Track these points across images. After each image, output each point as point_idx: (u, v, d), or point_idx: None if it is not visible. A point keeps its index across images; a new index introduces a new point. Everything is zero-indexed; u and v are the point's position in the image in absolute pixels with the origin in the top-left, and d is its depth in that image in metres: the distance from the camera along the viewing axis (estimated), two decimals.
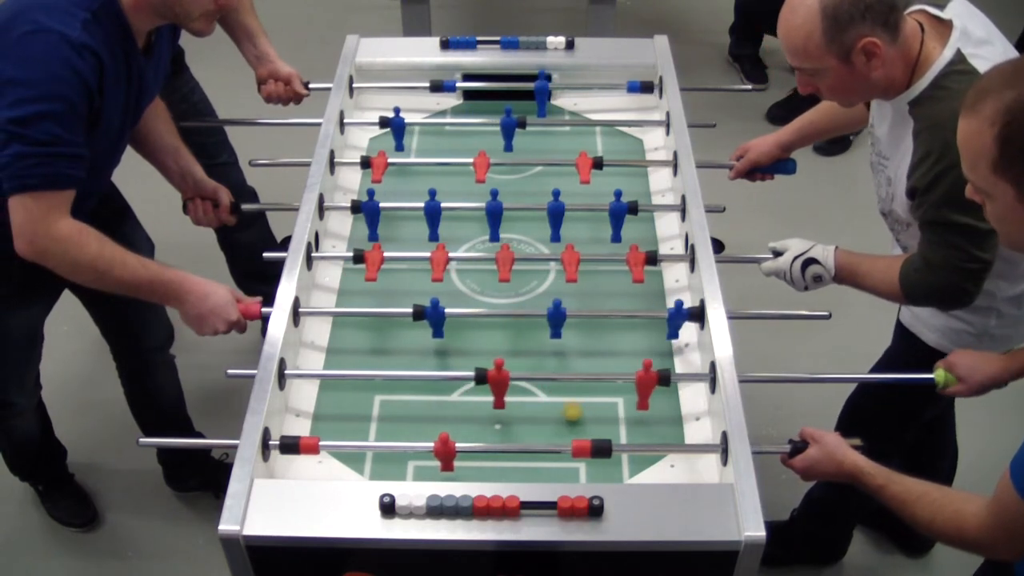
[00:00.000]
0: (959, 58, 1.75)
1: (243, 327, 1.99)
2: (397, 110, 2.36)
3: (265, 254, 2.14)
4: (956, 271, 1.79)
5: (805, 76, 1.82)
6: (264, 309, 1.89)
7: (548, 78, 2.47)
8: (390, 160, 2.28)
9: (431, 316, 1.88)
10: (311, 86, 2.58)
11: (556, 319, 1.87)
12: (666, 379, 1.74)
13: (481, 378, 1.75)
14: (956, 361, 1.84)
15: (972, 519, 1.45)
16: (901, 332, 2.14)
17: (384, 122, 2.37)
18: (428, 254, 2.02)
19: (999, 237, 1.46)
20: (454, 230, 2.18)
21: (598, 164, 2.24)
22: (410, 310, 2.00)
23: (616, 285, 2.04)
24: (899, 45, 1.75)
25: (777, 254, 2.04)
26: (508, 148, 2.34)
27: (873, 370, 2.22)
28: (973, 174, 1.37)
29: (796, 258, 1.99)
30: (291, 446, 1.67)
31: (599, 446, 1.65)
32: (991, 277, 1.88)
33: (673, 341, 1.96)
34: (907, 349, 2.10)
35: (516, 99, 2.48)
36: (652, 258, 2.02)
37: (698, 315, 1.86)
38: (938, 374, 1.84)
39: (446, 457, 1.65)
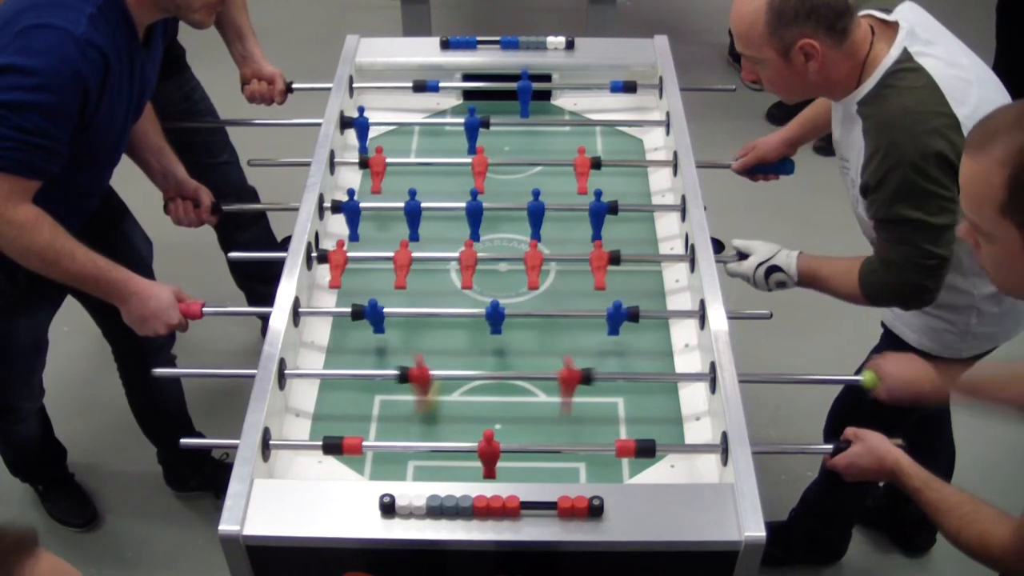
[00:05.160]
0: (905, 56, 1.77)
1: (184, 327, 2.01)
2: (361, 109, 2.35)
3: (262, 254, 2.14)
4: (914, 269, 1.79)
5: (748, 63, 1.86)
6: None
7: (532, 78, 2.46)
8: (389, 161, 2.27)
9: (370, 316, 1.89)
10: (296, 86, 2.58)
11: (495, 318, 1.88)
12: (588, 379, 1.75)
13: (403, 377, 1.75)
14: (883, 363, 1.84)
15: (997, 540, 1.46)
16: (885, 332, 2.15)
17: (347, 122, 2.36)
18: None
19: (994, 281, 1.44)
20: (453, 230, 2.18)
21: (596, 164, 2.24)
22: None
23: (617, 285, 2.03)
24: (846, 49, 1.77)
25: (741, 254, 2.05)
26: (472, 151, 2.32)
27: (860, 370, 2.22)
28: (976, 215, 1.35)
29: (760, 264, 2.00)
30: (334, 446, 1.67)
31: (643, 446, 1.66)
32: (968, 275, 1.89)
33: (673, 341, 1.96)
34: (889, 348, 2.10)
35: (516, 99, 2.48)
36: (616, 258, 2.01)
37: (635, 315, 1.87)
38: (866, 375, 1.84)
39: (490, 458, 1.64)
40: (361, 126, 2.34)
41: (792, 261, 1.97)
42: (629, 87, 2.48)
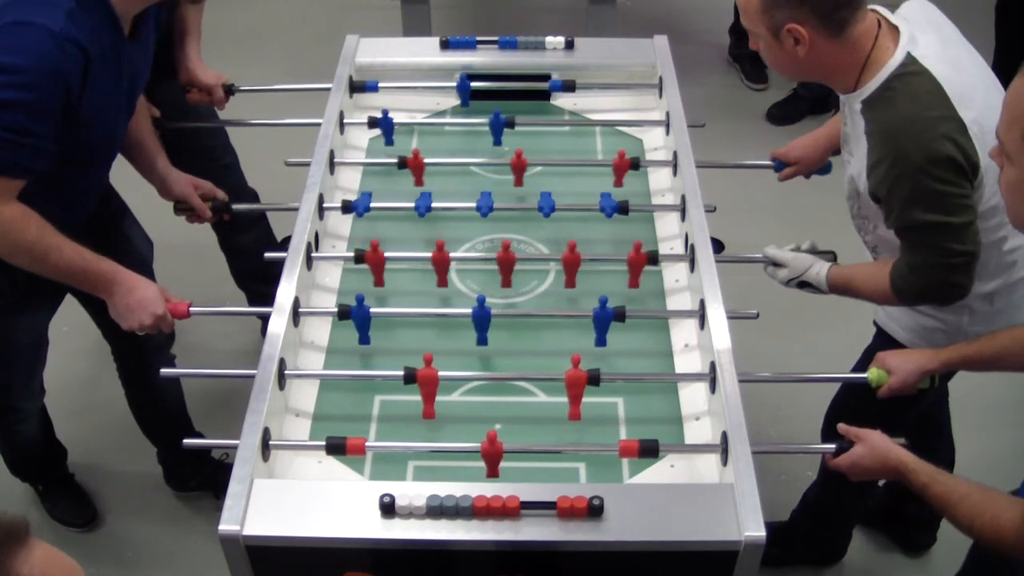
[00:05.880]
0: (910, 59, 1.76)
1: (170, 325, 2.01)
2: (385, 112, 2.36)
3: (267, 255, 2.14)
4: (941, 269, 1.79)
5: (752, 35, 1.87)
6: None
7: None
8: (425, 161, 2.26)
9: (356, 316, 1.89)
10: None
11: (482, 320, 1.88)
12: (595, 380, 1.75)
13: (410, 377, 1.75)
14: (887, 357, 1.86)
15: (1009, 525, 1.46)
16: (877, 331, 2.15)
17: (373, 122, 2.37)
18: (429, 254, 2.01)
19: (1005, 208, 1.45)
20: (455, 230, 2.18)
21: (635, 165, 2.24)
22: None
23: (616, 285, 2.04)
24: (844, 41, 1.76)
25: (774, 261, 2.05)
26: (497, 142, 2.37)
27: (854, 369, 2.23)
28: (1006, 133, 1.36)
29: (791, 280, 2.03)
30: (338, 447, 1.67)
31: (646, 446, 1.66)
32: None
33: (673, 341, 1.96)
34: (882, 348, 2.10)
35: (516, 99, 2.49)
36: (654, 258, 2.02)
37: (621, 315, 1.87)
38: (871, 372, 1.86)
39: (493, 459, 1.64)
40: (387, 126, 2.35)
41: (823, 279, 1.98)
42: (568, 86, 2.49)
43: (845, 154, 1.97)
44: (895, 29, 1.80)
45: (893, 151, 1.73)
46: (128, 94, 2.03)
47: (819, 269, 1.99)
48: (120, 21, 1.91)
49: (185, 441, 1.86)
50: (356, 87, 2.45)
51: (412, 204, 2.15)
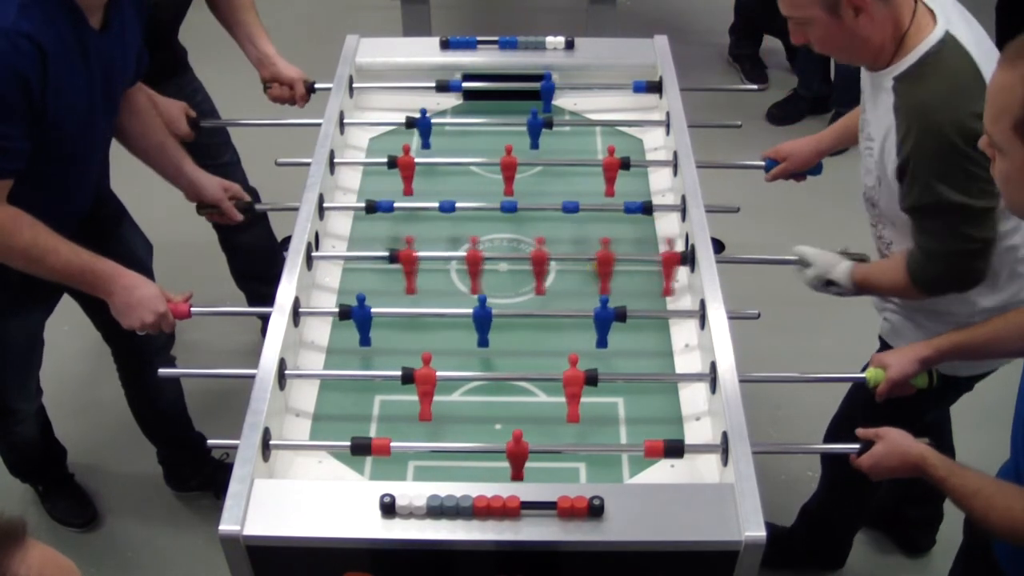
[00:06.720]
0: (948, 37, 1.74)
1: (171, 324, 2.00)
2: (424, 111, 2.36)
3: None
4: (959, 255, 1.78)
5: (796, 26, 1.82)
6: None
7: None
8: (417, 160, 2.26)
9: (357, 316, 1.88)
10: (317, 86, 2.57)
11: (483, 321, 1.87)
12: (592, 380, 1.75)
13: (407, 377, 1.75)
14: (882, 356, 1.86)
15: (1022, 515, 1.46)
16: (881, 345, 2.14)
17: (410, 122, 2.37)
18: (462, 254, 2.01)
19: (1003, 198, 1.45)
20: (455, 230, 2.18)
21: (625, 165, 2.23)
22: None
23: (617, 285, 2.03)
24: (892, 7, 1.74)
25: (804, 262, 2.06)
26: (535, 146, 2.36)
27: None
28: (993, 127, 1.37)
29: (817, 278, 2.03)
30: (363, 447, 1.66)
31: (671, 446, 1.66)
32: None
33: (673, 341, 1.96)
34: None
35: (517, 99, 2.49)
36: (687, 258, 2.02)
37: (622, 315, 1.87)
38: (869, 372, 1.86)
39: (518, 459, 1.63)
40: (424, 126, 2.35)
41: (847, 278, 1.98)
42: (652, 87, 2.47)
43: (865, 142, 1.94)
44: (929, 13, 1.79)
45: (925, 124, 1.70)
46: (104, 88, 1.97)
47: (845, 267, 1.99)
48: (83, 13, 1.85)
49: (209, 442, 1.84)
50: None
51: (432, 204, 2.15)
